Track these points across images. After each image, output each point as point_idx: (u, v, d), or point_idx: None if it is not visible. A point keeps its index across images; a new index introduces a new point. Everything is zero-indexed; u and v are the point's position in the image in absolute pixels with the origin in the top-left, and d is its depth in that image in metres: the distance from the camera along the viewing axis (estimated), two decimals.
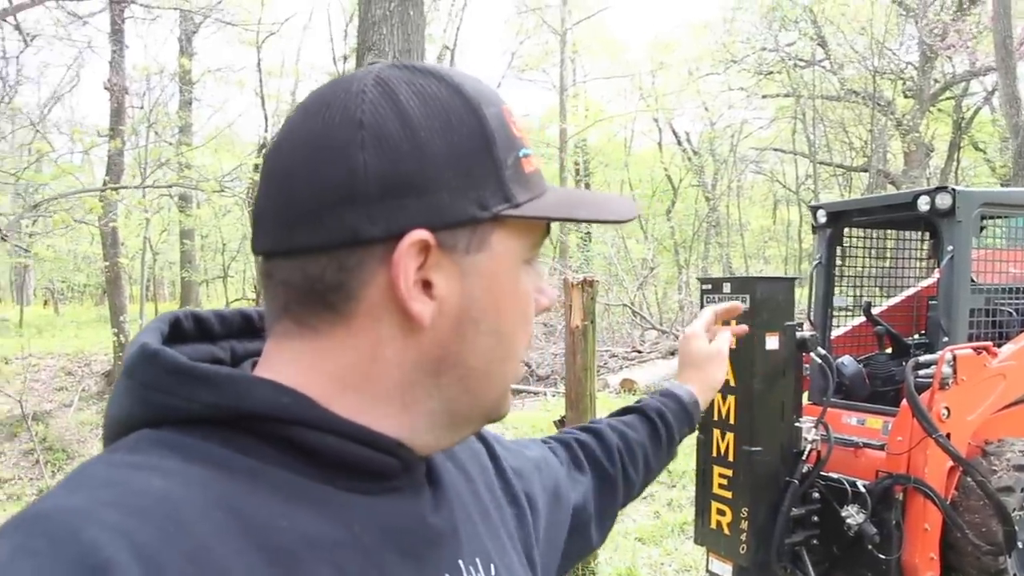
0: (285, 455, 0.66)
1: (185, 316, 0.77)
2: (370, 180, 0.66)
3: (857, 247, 5.80)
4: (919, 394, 4.25)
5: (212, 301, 26.30)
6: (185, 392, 0.65)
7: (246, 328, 0.81)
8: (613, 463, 1.22)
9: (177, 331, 0.75)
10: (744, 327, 1.52)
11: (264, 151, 0.76)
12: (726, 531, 4.51)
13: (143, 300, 14.51)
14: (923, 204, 4.70)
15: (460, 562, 0.77)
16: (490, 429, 1.03)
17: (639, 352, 15.95)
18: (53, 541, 0.51)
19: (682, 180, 28.13)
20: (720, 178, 26.83)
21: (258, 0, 18.18)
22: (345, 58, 12.22)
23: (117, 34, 13.43)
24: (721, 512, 4.55)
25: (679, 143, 28.38)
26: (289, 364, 0.70)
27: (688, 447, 4.94)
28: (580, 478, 1.16)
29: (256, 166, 10.14)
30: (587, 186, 30.41)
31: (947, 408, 4.28)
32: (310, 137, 0.67)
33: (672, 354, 15.23)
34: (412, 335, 0.69)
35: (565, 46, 24.63)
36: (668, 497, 6.85)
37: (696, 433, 5.05)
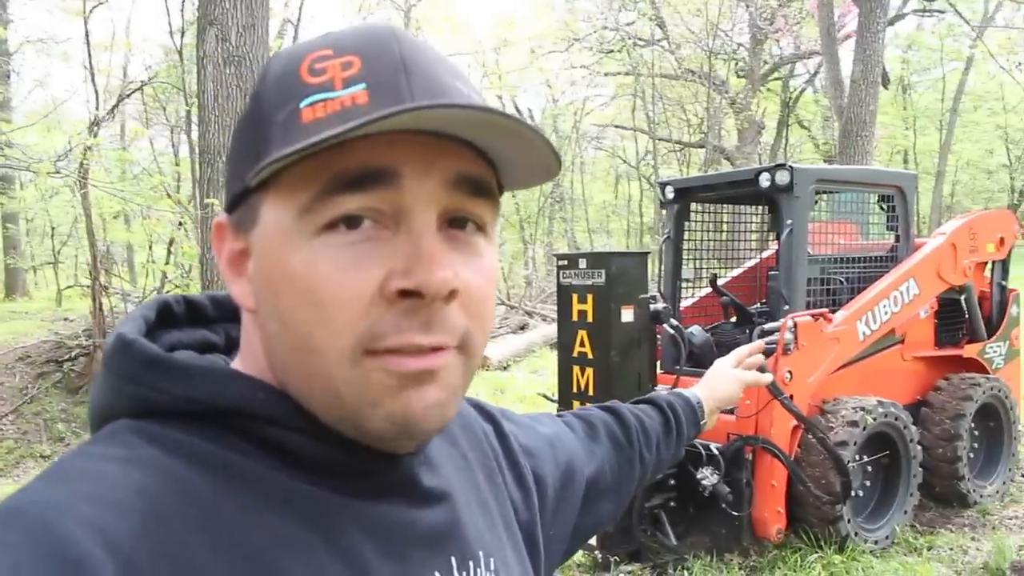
0: (263, 452, 0.64)
1: (176, 300, 0.75)
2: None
3: (702, 221, 6.08)
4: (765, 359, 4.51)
5: (40, 289, 24.64)
6: (159, 384, 0.63)
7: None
8: (631, 442, 1.21)
9: (170, 316, 0.74)
10: (761, 377, 1.60)
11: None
12: None
13: None
14: (764, 180, 4.97)
15: (452, 559, 0.73)
16: (495, 404, 1.02)
17: None
18: (28, 535, 0.51)
19: None
20: (563, 154, 27.37)
21: None
22: (183, 31, 11.63)
23: None
24: None
25: None
26: (241, 350, 0.71)
27: None
28: (596, 450, 1.13)
29: (88, 148, 9.52)
30: None
31: (790, 372, 4.58)
32: None
33: (522, 328, 15.48)
34: (255, 319, 0.68)
35: (409, 22, 24.40)
36: None
37: (556, 407, 5.18)
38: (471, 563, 0.75)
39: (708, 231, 6.17)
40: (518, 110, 28.72)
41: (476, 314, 0.65)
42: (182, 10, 11.77)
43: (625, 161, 28.98)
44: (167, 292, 13.64)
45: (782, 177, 4.90)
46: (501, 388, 10.39)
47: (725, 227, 6.41)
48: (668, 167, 25.80)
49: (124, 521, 0.54)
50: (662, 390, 4.58)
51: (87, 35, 11.33)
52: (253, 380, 0.66)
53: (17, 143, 10.94)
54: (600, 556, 4.66)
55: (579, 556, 4.89)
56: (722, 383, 1.49)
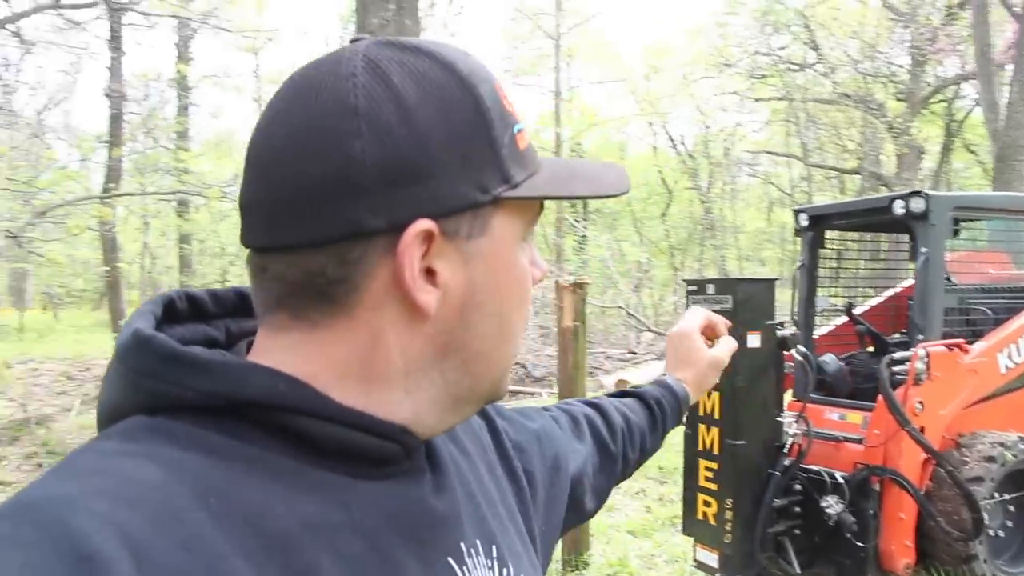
0: (282, 443, 0.65)
1: (179, 296, 0.75)
2: (370, 170, 0.63)
3: (844, 248, 6.01)
4: (895, 390, 4.45)
5: None
6: (180, 379, 0.63)
7: (241, 307, 0.79)
8: (616, 441, 1.22)
9: (171, 311, 0.74)
10: (734, 343, 1.50)
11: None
12: (712, 521, 4.70)
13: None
14: (898, 208, 4.90)
15: (462, 544, 0.76)
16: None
17: (633, 353, 16.15)
18: (42, 531, 0.50)
19: (677, 183, 28.33)
20: (714, 181, 27.04)
21: (254, 6, 18.40)
22: None
23: (115, 41, 13.58)
24: (707, 503, 4.74)
25: (673, 146, 28.62)
26: (285, 353, 0.69)
27: (680, 444, 5.14)
28: (580, 447, 1.15)
29: None
30: None
31: (921, 402, 4.48)
32: (301, 124, 0.65)
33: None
34: (416, 324, 0.68)
35: (559, 51, 24.85)
36: (659, 492, 7.05)
37: (683, 428, 5.24)
38: (474, 549, 0.78)
39: (845, 259, 6.09)
40: (670, 137, 28.65)
41: None
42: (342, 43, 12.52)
43: (779, 188, 28.32)
44: None
45: (916, 204, 4.82)
46: None
47: (866, 255, 6.29)
48: (823, 194, 25.04)
49: (139, 515, 0.53)
50: (789, 417, 4.63)
51: (256, 69, 12.21)
52: (273, 371, 0.66)
53: (193, 170, 11.94)
54: None
55: None
56: (708, 375, 1.43)
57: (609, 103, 30.64)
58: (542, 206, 0.77)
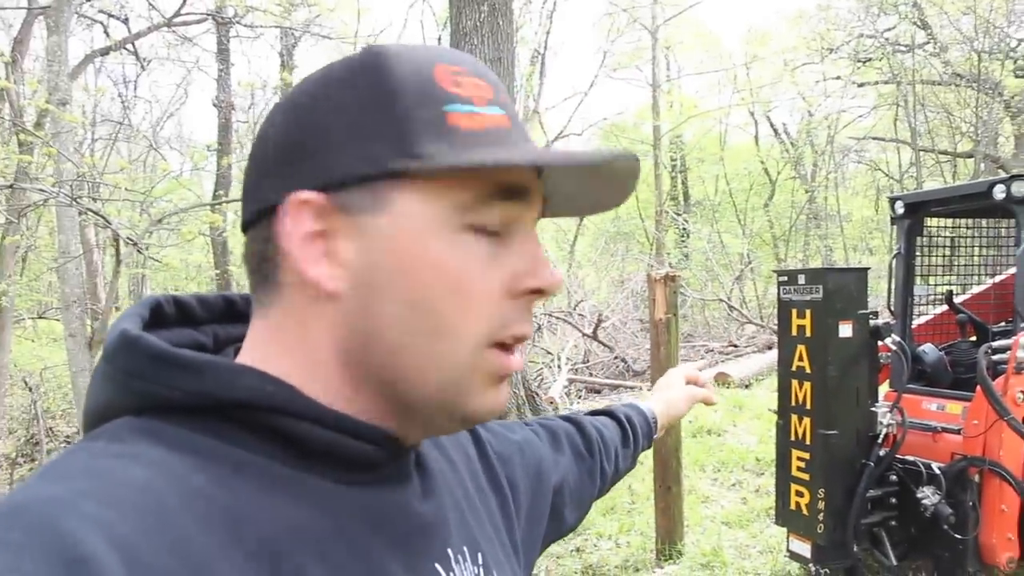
0: (269, 444, 0.65)
1: (166, 300, 0.75)
2: (272, 150, 0.68)
3: (945, 236, 5.87)
4: (995, 379, 4.35)
5: None
6: (167, 379, 0.64)
7: (228, 312, 0.79)
8: (592, 453, 1.23)
9: (158, 316, 0.74)
10: (710, 395, 1.59)
11: None
12: (804, 511, 4.69)
13: None
14: (998, 192, 4.77)
15: (449, 551, 0.76)
16: None
17: (735, 346, 15.94)
18: (30, 534, 0.50)
19: (780, 172, 27.68)
20: (819, 169, 26.33)
21: (355, 12, 18.91)
22: None
23: (223, 53, 14.18)
24: (800, 493, 4.74)
25: (776, 135, 27.96)
26: (256, 346, 0.71)
27: (774, 434, 5.12)
28: (560, 459, 1.15)
29: None
30: (683, 183, 30.22)
31: (1022, 392, 4.37)
32: None
33: (769, 348, 15.16)
34: (330, 306, 0.67)
35: (657, 43, 24.60)
36: (756, 484, 7.01)
37: (776, 419, 5.23)
38: (460, 556, 0.78)
39: (945, 246, 5.95)
40: (772, 125, 28.05)
41: None
42: (439, 45, 12.77)
43: (887, 175, 27.38)
44: None
45: (1019, 188, 4.68)
46: (740, 405, 10.34)
47: (963, 242, 6.12)
48: (935, 179, 24.08)
49: (128, 518, 0.53)
50: (883, 407, 4.58)
51: None
52: (261, 372, 0.66)
53: None
54: (814, 569, 4.67)
55: (795, 569, 4.93)
56: (677, 403, 1.49)
57: (709, 93, 30.10)
58: (515, 197, 0.70)
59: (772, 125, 28.13)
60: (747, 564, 5.21)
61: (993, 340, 5.02)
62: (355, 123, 0.66)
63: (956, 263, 6.09)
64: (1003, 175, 4.97)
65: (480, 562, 0.81)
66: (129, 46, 10.34)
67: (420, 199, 0.66)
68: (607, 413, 1.35)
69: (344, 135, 0.66)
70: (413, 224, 0.65)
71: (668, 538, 5.51)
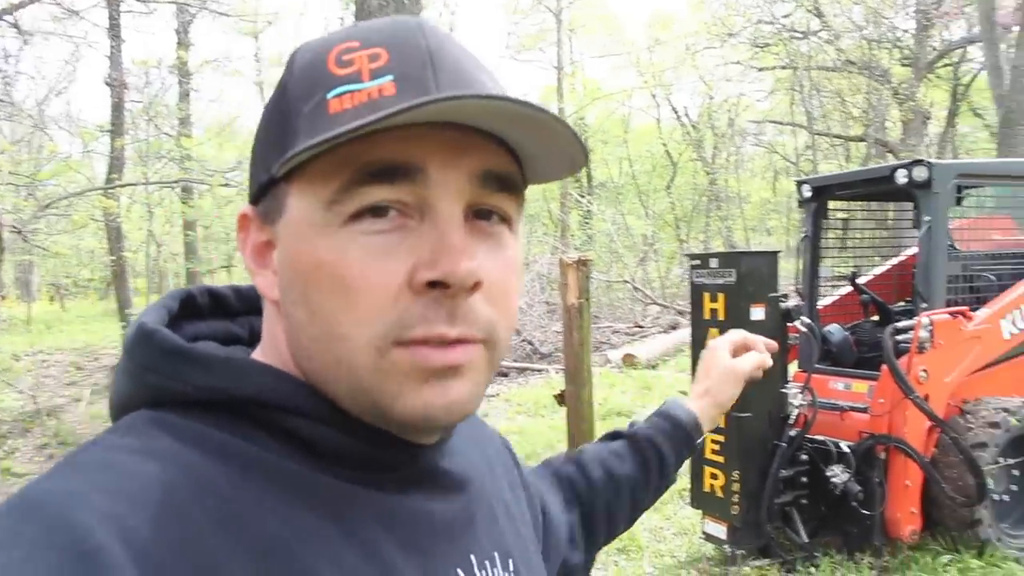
0: (282, 442, 0.64)
1: (200, 292, 0.76)
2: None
3: (849, 218, 6.01)
4: (899, 358, 4.47)
5: None
6: (179, 374, 0.64)
7: None
8: (596, 498, 1.13)
9: (193, 307, 0.75)
10: (768, 359, 1.37)
11: None
12: (719, 494, 4.74)
13: (149, 292, 14.70)
14: (901, 177, 4.89)
15: (472, 557, 0.73)
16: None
17: (640, 327, 16.18)
18: (45, 526, 0.51)
19: (681, 155, 28.18)
20: (719, 151, 26.91)
21: None
22: None
23: (115, 28, 13.53)
24: (714, 476, 4.78)
25: (677, 118, 28.42)
26: (261, 343, 0.72)
27: None
28: (555, 500, 1.09)
29: None
30: (587, 165, 30.39)
31: (925, 370, 4.50)
32: None
33: (673, 328, 15.43)
34: (278, 311, 0.68)
35: (561, 25, 24.70)
36: None
37: None
38: (489, 562, 0.75)
39: (849, 229, 6.10)
40: (673, 108, 28.51)
41: (500, 306, 0.66)
42: (341, 24, 12.45)
43: (784, 157, 28.17)
44: None
45: (919, 173, 4.81)
46: (648, 386, 10.48)
47: (866, 224, 6.29)
48: (829, 162, 24.88)
49: (140, 512, 0.53)
50: (793, 388, 4.65)
51: (257, 53, 12.17)
52: (274, 370, 0.66)
53: (196, 156, 11.95)
54: (729, 550, 4.73)
55: (709, 550, 4.99)
56: (724, 387, 1.29)
57: (612, 76, 30.41)
58: (386, 176, 0.62)
59: (674, 108, 28.64)
60: (663, 547, 5.25)
61: (895, 320, 5.17)
62: (264, 130, 0.68)
63: (858, 245, 6.25)
64: (905, 160, 5.11)
65: (511, 569, 0.78)
66: (9, 17, 9.73)
67: (300, 198, 0.63)
68: (627, 436, 1.21)
69: (259, 148, 0.68)
70: (299, 224, 0.63)
71: None
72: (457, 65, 0.64)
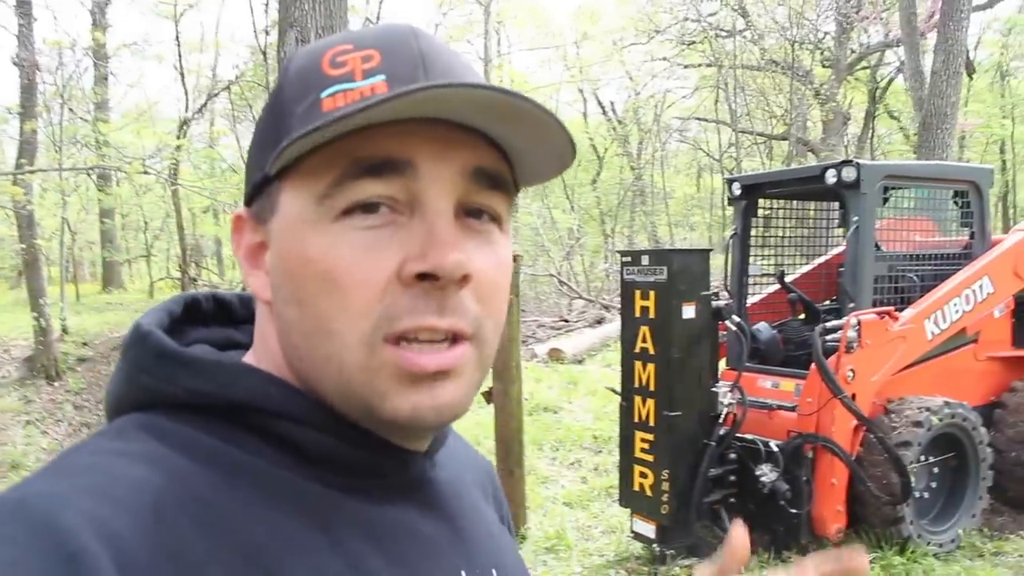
0: (271, 447, 0.64)
1: (205, 298, 0.77)
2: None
3: (775, 217, 6.04)
4: (827, 357, 4.49)
5: (135, 281, 25.68)
6: (171, 376, 0.64)
7: None
8: None
9: (198, 313, 0.75)
10: None
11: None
12: (648, 493, 4.71)
13: (63, 282, 14.08)
14: (830, 177, 4.93)
15: (463, 572, 0.71)
16: None
17: (566, 321, 16.18)
18: (28, 528, 0.50)
19: (607, 150, 28.33)
20: (645, 147, 27.14)
21: None
22: (267, 31, 11.98)
23: (24, 6, 12.91)
24: (644, 475, 4.75)
25: (604, 113, 28.53)
26: (253, 346, 0.72)
27: (615, 414, 5.11)
28: None
29: (179, 146, 9.90)
30: None
31: (852, 370, 4.54)
32: None
33: (599, 322, 15.48)
34: (271, 312, 0.68)
35: (489, 16, 24.55)
36: (594, 462, 7.06)
37: (613, 397, 5.23)
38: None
39: (777, 227, 6.13)
40: (600, 103, 28.62)
41: (488, 303, 0.65)
42: (266, 10, 12.13)
43: (707, 154, 28.58)
44: None
45: (848, 173, 4.85)
46: (574, 381, 10.46)
47: (794, 223, 6.33)
48: (751, 160, 25.35)
49: (124, 516, 0.53)
50: (723, 387, 4.64)
51: (178, 37, 11.76)
52: (264, 374, 0.66)
53: (113, 143, 11.49)
54: (658, 549, 4.71)
55: (638, 549, 4.96)
56: None
57: (540, 69, 30.44)
58: (375, 170, 0.61)
59: (600, 103, 28.72)
60: (591, 546, 5.20)
61: (822, 319, 5.21)
62: (260, 131, 0.68)
63: (786, 244, 6.29)
64: (835, 160, 5.14)
65: None
66: None
67: (293, 195, 0.64)
68: None
69: (254, 149, 0.69)
70: (291, 222, 0.64)
71: (512, 521, 5.42)
72: (447, 66, 0.65)
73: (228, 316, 0.79)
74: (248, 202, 0.69)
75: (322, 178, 0.61)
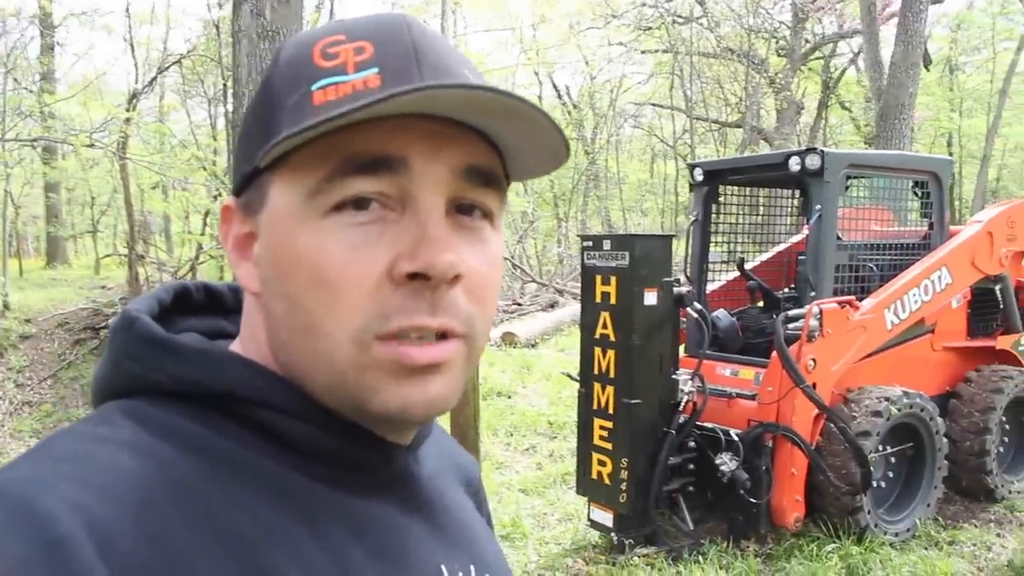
0: (256, 437, 0.64)
1: (196, 288, 0.76)
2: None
3: (732, 204, 6.00)
4: (788, 346, 4.46)
5: (80, 257, 25.02)
6: (155, 363, 0.64)
7: None
8: None
9: (188, 302, 0.75)
10: None
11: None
12: (607, 481, 4.64)
13: (5, 256, 13.59)
14: (794, 164, 4.89)
15: (443, 567, 0.71)
16: None
17: (519, 305, 16.11)
18: (10, 514, 0.50)
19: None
20: (599, 132, 27.09)
21: None
22: (220, 5, 11.64)
23: None
24: (602, 463, 4.68)
25: (559, 97, 28.44)
26: (240, 336, 0.71)
27: (571, 400, 5.05)
28: None
29: (128, 119, 9.55)
30: None
31: (814, 359, 4.52)
32: None
33: (552, 307, 15.44)
34: (258, 303, 0.67)
35: None
36: (549, 448, 7.00)
37: (569, 382, 5.15)
38: (463, 573, 0.73)
39: (737, 214, 6.09)
40: (555, 87, 28.54)
41: (480, 301, 0.65)
42: None
43: (662, 140, 28.64)
44: (201, 263, 13.80)
45: (812, 161, 4.82)
46: (527, 366, 10.39)
47: (755, 210, 6.31)
48: (705, 147, 25.49)
49: (108, 503, 0.53)
50: (684, 374, 4.59)
51: (128, 8, 11.37)
52: (251, 363, 0.66)
53: (59, 115, 11.08)
54: (616, 538, 4.65)
55: (595, 537, 4.90)
56: None
57: (496, 51, 30.21)
58: (371, 167, 0.60)
59: (555, 87, 28.63)
60: (547, 534, 5.13)
61: (782, 307, 5.18)
62: (249, 122, 0.67)
63: (745, 231, 6.26)
64: (800, 148, 5.11)
65: None
66: None
67: (283, 189, 0.63)
68: None
69: (243, 139, 0.68)
70: (280, 215, 0.63)
71: None
72: (440, 59, 0.64)
73: (218, 306, 0.78)
74: (237, 192, 0.68)
75: (313, 173, 0.60)
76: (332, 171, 0.60)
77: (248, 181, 0.66)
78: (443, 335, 0.62)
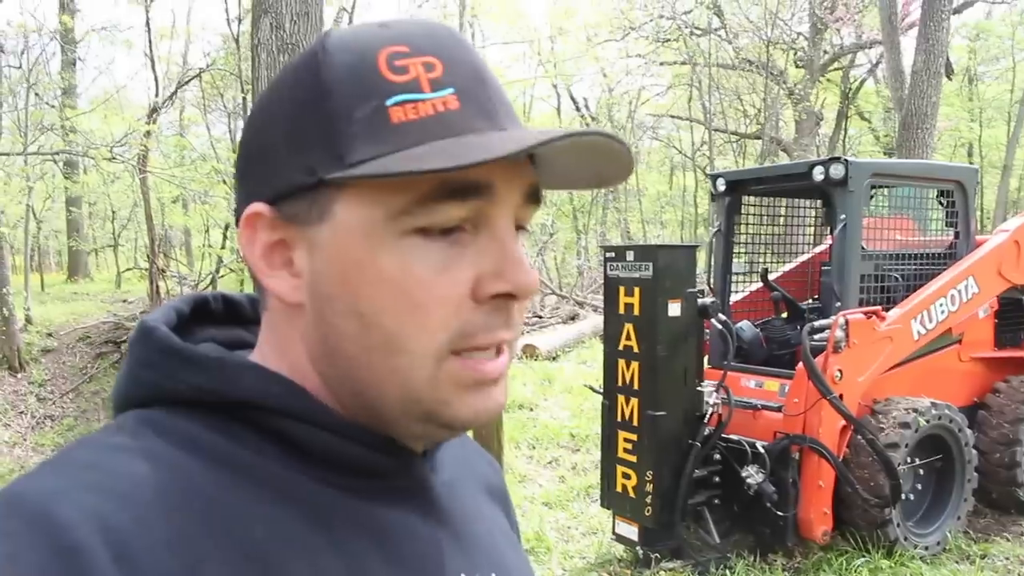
0: (274, 446, 0.64)
1: (214, 298, 0.77)
2: (241, 153, 0.68)
3: (755, 215, 5.96)
4: (814, 357, 4.42)
5: (101, 271, 25.21)
6: (173, 373, 0.64)
7: None
8: None
9: (207, 313, 0.75)
10: None
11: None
12: (632, 494, 4.61)
13: (27, 271, 13.75)
14: (818, 174, 4.85)
15: (462, 575, 0.71)
16: None
17: (540, 317, 16.09)
18: (27, 523, 0.51)
19: None
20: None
21: None
22: (240, 19, 11.74)
23: None
24: (626, 476, 4.65)
25: (577, 109, 28.47)
26: (260, 346, 0.70)
27: (593, 412, 5.01)
28: None
29: (148, 132, 9.63)
30: None
31: (840, 370, 4.47)
32: None
33: (572, 319, 15.40)
34: (296, 314, 0.66)
35: (464, 10, 24.34)
36: (572, 461, 6.96)
37: (591, 394, 5.12)
38: None
39: (760, 224, 6.06)
40: (573, 99, 28.56)
41: (524, 311, 0.68)
42: None
43: (680, 152, 28.62)
44: (222, 276, 13.87)
45: (836, 171, 4.78)
46: (549, 378, 10.36)
47: (778, 221, 6.27)
48: (724, 158, 25.45)
49: (125, 512, 0.53)
50: (708, 386, 4.55)
51: (148, 23, 11.49)
52: (269, 372, 0.65)
53: (80, 129, 11.19)
54: (641, 552, 4.61)
55: (620, 551, 4.86)
56: None
57: (514, 64, 30.27)
58: (461, 194, 0.61)
59: (573, 99, 28.65)
60: (571, 547, 5.10)
61: (806, 318, 5.14)
62: (293, 130, 0.63)
63: (767, 241, 6.22)
64: (822, 158, 5.07)
65: None
66: None
67: (357, 205, 0.61)
68: None
69: (284, 143, 0.64)
70: (352, 233, 0.62)
71: None
72: (494, 81, 0.65)
73: (237, 316, 0.78)
74: (272, 200, 0.64)
75: (400, 194, 0.60)
76: (424, 195, 0.60)
77: (297, 191, 0.63)
78: (499, 348, 0.65)
